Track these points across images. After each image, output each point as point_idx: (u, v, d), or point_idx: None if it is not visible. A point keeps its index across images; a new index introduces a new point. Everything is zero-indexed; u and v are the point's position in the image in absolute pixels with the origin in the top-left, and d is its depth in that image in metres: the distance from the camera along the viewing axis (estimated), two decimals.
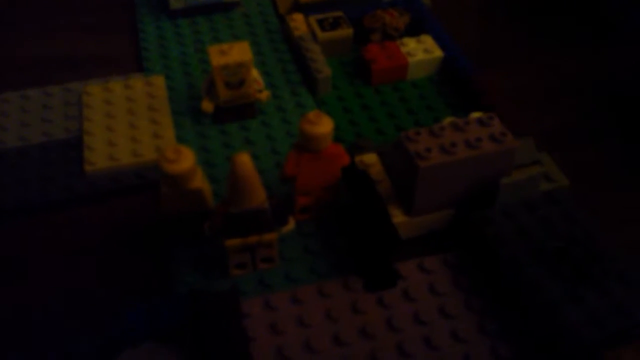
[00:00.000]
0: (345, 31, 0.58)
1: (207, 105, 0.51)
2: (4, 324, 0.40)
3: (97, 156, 0.49)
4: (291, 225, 0.41)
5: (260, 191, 0.38)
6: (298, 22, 0.59)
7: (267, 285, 0.41)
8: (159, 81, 0.55)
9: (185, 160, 0.38)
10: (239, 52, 0.48)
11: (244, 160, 0.36)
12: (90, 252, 0.44)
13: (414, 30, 0.60)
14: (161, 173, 0.39)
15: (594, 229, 0.40)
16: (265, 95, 0.52)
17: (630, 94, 0.57)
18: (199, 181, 0.40)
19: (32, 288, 0.42)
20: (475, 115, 0.46)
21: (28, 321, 0.40)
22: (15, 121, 0.53)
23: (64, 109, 0.54)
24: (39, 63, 0.61)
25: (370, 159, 0.47)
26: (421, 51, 0.57)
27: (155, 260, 0.43)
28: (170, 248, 0.43)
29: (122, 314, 0.37)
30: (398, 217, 0.43)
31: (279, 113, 0.53)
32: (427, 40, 0.58)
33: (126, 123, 0.51)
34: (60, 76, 0.58)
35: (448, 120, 0.45)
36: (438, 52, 0.57)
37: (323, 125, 0.40)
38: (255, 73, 0.50)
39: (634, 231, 0.45)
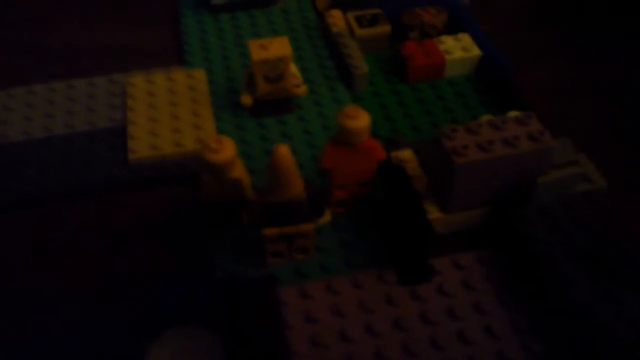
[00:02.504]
0: (383, 28, 0.59)
1: (246, 99, 0.52)
2: (41, 303, 0.42)
3: (140, 145, 0.50)
4: (327, 217, 0.42)
5: (298, 182, 0.39)
6: (336, 19, 0.60)
7: (303, 275, 0.42)
8: (200, 74, 0.57)
9: (226, 150, 0.39)
10: (279, 46, 0.49)
11: (284, 151, 0.37)
12: (128, 239, 0.46)
13: (451, 29, 0.60)
14: (203, 162, 0.40)
15: (629, 231, 0.40)
16: (302, 90, 0.52)
17: None
18: (239, 171, 0.41)
19: (72, 270, 0.44)
20: (513, 114, 0.46)
21: (67, 299, 0.42)
22: (62, 110, 0.54)
23: (108, 99, 0.55)
24: (84, 54, 0.63)
25: (405, 154, 0.47)
26: (459, 49, 0.57)
27: (194, 248, 0.45)
28: (209, 236, 0.44)
29: (157, 294, 0.38)
30: (434, 213, 0.44)
31: (316, 107, 0.54)
32: (465, 39, 0.58)
33: (168, 114, 0.53)
34: (105, 67, 0.60)
35: (485, 118, 0.45)
36: (476, 51, 0.57)
37: (360, 119, 0.41)
38: (293, 68, 0.51)
39: None
